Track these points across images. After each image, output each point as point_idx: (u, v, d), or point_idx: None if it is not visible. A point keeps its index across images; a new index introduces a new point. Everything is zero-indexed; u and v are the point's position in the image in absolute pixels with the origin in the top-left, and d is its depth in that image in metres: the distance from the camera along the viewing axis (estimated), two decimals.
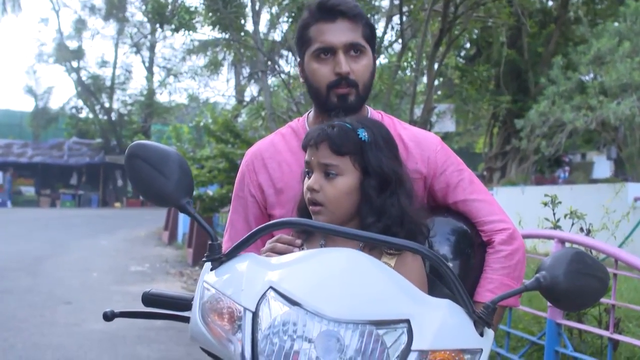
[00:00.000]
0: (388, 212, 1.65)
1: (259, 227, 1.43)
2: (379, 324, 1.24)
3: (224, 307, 1.34)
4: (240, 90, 19.86)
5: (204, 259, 1.44)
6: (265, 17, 14.75)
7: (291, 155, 1.95)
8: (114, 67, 35.45)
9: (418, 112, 9.19)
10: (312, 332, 1.24)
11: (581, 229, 3.73)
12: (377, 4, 10.93)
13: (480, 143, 31.09)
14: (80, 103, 35.91)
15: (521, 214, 4.76)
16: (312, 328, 1.24)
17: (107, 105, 35.18)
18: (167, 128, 22.08)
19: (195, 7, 8.35)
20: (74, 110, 36.21)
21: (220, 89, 37.56)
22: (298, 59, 2.03)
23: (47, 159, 33.28)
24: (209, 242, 1.44)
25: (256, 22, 9.01)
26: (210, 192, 11.77)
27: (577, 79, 14.86)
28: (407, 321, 1.25)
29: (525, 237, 3.85)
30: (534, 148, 18.08)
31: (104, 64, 35.29)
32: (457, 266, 1.88)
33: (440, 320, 1.28)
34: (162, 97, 33.90)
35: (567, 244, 3.50)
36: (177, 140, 16.84)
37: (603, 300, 3.23)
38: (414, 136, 2.00)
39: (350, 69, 1.88)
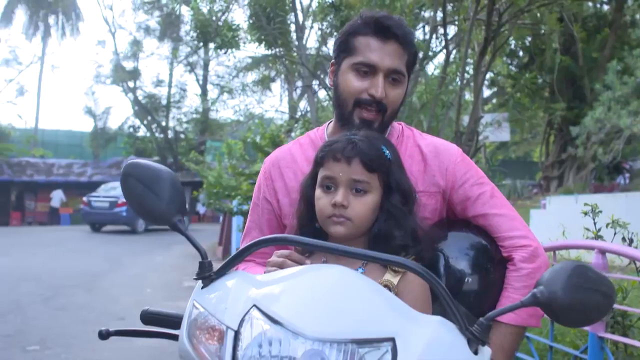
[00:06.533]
0: (408, 228, 1.65)
1: (249, 243, 1.42)
2: (362, 342, 1.20)
3: (211, 326, 1.33)
4: (292, 105, 19.97)
5: (195, 277, 1.44)
6: (314, 32, 14.86)
7: (307, 165, 1.90)
8: (169, 86, 36.12)
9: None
10: (297, 352, 1.21)
11: (623, 239, 3.59)
12: (424, 14, 10.89)
13: (537, 152, 30.58)
14: (137, 122, 36.70)
15: (571, 224, 4.58)
16: (297, 347, 1.21)
17: (163, 123, 35.80)
18: (221, 144, 22.35)
19: (238, 25, 8.45)
20: (131, 130, 36.99)
21: (274, 105, 37.91)
22: (333, 60, 1.98)
23: (107, 178, 34.02)
24: (200, 260, 1.44)
25: (300, 37, 9.06)
26: None
27: (634, 83, 14.45)
28: (392, 339, 1.21)
29: (565, 247, 3.74)
30: (591, 155, 17.66)
31: (159, 83, 36.00)
32: (476, 281, 1.82)
33: (428, 338, 1.23)
34: (216, 114, 34.42)
35: (608, 255, 3.38)
36: (229, 156, 17.01)
37: None
38: (434, 147, 1.96)
39: (385, 94, 1.85)
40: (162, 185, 1.50)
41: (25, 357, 6.30)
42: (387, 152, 1.67)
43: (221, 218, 19.29)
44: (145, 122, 35.87)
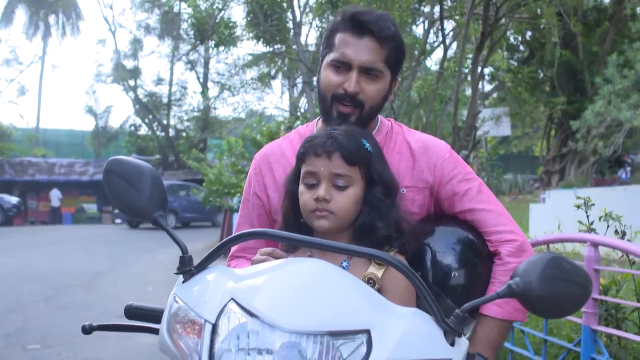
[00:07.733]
0: (391, 219, 1.67)
1: (227, 238, 1.44)
2: (337, 334, 1.21)
3: (191, 320, 1.34)
4: (293, 102, 19.94)
5: (175, 271, 1.45)
6: (314, 29, 14.84)
7: None
8: (170, 84, 36.11)
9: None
10: (275, 344, 1.22)
11: (616, 232, 3.59)
12: (424, 9, 10.89)
13: (539, 146, 30.54)
14: (138, 121, 36.73)
15: (569, 218, 4.56)
16: (274, 340, 1.22)
17: (164, 121, 35.78)
18: (222, 142, 22.33)
19: (234, 22, 8.46)
20: (132, 128, 37.05)
21: (274, 102, 37.86)
22: (320, 58, 1.98)
23: None
24: (180, 255, 1.46)
25: (297, 34, 9.06)
26: None
27: (634, 76, 14.42)
28: (367, 331, 1.22)
29: (557, 241, 3.75)
30: (591, 149, 17.65)
31: (160, 81, 36.00)
32: (463, 276, 1.83)
33: (404, 330, 1.24)
34: (217, 112, 34.40)
35: (606, 248, 3.39)
36: (230, 154, 17.01)
37: None
38: (423, 143, 1.97)
39: (360, 89, 1.84)
40: (143, 181, 1.51)
41: (25, 355, 6.33)
42: (368, 145, 1.68)
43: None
44: (146, 120, 35.85)
